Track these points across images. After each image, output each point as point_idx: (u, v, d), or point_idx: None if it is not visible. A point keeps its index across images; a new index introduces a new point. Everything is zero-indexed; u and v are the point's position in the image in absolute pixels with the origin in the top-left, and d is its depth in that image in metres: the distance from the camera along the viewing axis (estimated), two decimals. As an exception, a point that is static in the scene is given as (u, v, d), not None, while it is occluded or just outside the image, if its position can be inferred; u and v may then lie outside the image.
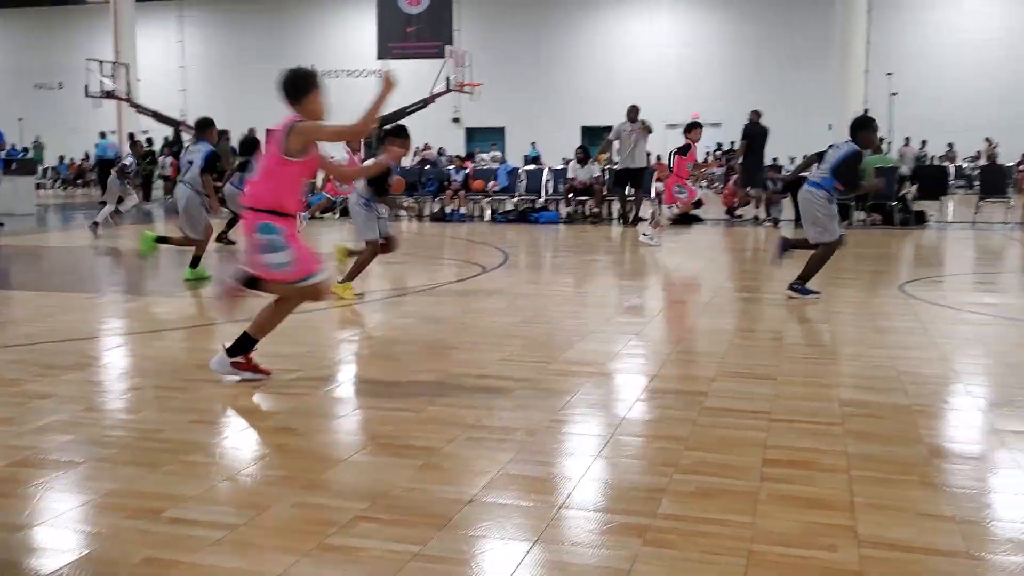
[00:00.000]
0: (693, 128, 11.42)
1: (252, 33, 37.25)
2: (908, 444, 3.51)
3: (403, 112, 22.81)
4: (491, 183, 17.15)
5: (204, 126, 8.78)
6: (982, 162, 25.52)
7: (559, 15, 34.35)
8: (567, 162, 17.11)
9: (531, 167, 19.13)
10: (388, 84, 4.18)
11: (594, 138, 32.85)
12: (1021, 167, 23.37)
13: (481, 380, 4.54)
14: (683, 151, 11.34)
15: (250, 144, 12.20)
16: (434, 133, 31.56)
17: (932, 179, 16.25)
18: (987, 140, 28.35)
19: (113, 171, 14.73)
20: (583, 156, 16.27)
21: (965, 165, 28.27)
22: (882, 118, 27.44)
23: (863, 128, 7.03)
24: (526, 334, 5.80)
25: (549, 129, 32.72)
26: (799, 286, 7.12)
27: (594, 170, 16.23)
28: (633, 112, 15.01)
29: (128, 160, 15.54)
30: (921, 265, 10.27)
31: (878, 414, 3.92)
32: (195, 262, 8.44)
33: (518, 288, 8.23)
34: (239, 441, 3.70)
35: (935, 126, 29.64)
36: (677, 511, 2.84)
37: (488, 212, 17.36)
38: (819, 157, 7.25)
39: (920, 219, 14.75)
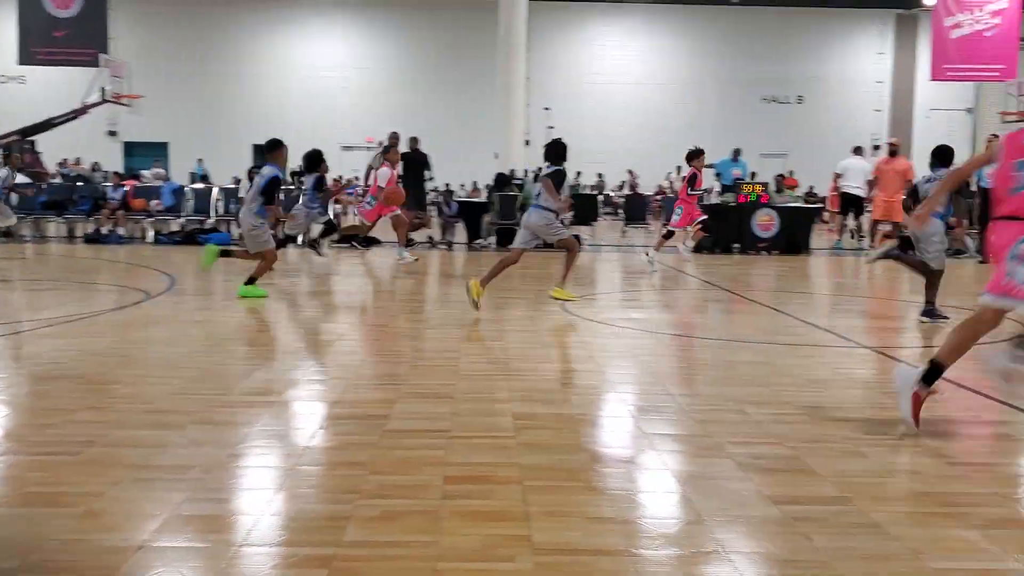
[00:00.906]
0: (696, 156, 12.24)
1: None
2: (573, 452, 3.79)
3: (50, 123, 20.78)
4: (154, 202, 16.12)
5: (272, 147, 8.88)
6: (626, 191, 28.27)
7: (231, 30, 33.16)
8: (238, 181, 16.53)
9: (199, 186, 18.24)
10: None
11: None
12: (658, 197, 26.19)
13: (149, 416, 4.24)
14: (691, 181, 12.34)
15: (314, 160, 11.62)
16: (87, 146, 29.13)
17: (585, 206, 17.75)
18: (630, 172, 31.48)
19: None
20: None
21: (612, 194, 31.17)
22: (541, 150, 29.62)
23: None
24: (198, 364, 5.51)
25: (218, 146, 31.42)
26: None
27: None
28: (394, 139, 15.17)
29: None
30: (578, 285, 11.15)
31: (547, 425, 4.19)
32: (251, 280, 8.59)
33: (188, 315, 7.80)
34: None
35: (587, 158, 32.41)
36: (362, 537, 2.84)
37: (151, 233, 16.29)
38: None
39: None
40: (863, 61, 33.59)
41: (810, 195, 27.60)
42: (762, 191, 15.78)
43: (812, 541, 2.86)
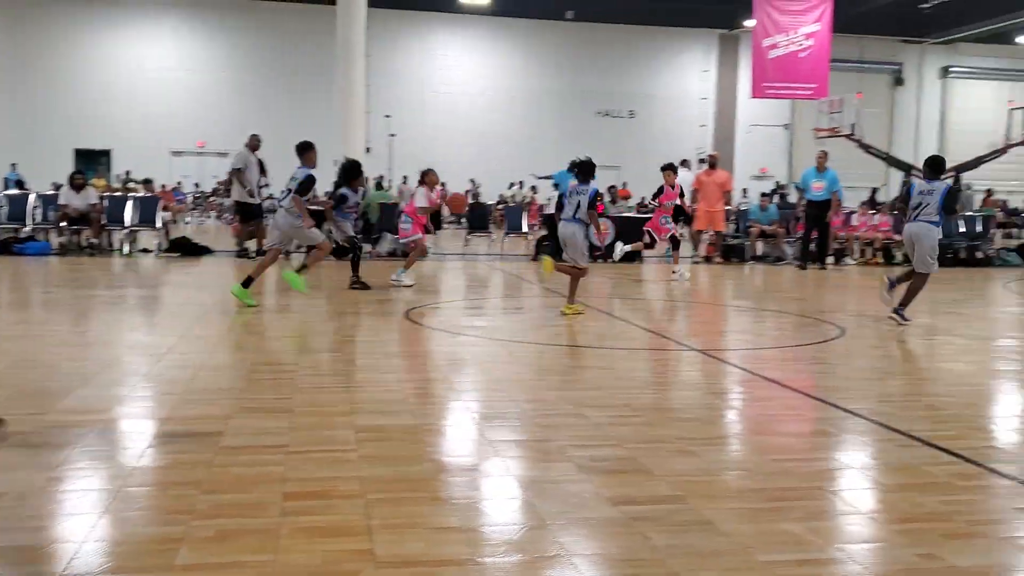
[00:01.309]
0: (667, 169, 12.92)
1: None
2: (417, 462, 3.76)
3: None
4: (-39, 209, 14.91)
5: (303, 149, 8.97)
6: (469, 201, 28.45)
7: (52, 28, 31.14)
8: (58, 187, 15.55)
9: (14, 192, 17.03)
10: None
11: (89, 161, 30.36)
12: (499, 206, 26.50)
13: (-46, 440, 3.90)
14: (657, 193, 13.06)
15: (352, 170, 11.24)
16: None
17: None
18: (472, 181, 31.70)
19: None
20: (82, 181, 14.96)
21: (454, 202, 31.31)
22: (383, 157, 29.39)
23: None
24: (13, 383, 5.12)
25: (34, 151, 29.44)
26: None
27: (91, 196, 14.96)
28: (255, 140, 14.48)
29: None
30: (421, 293, 11.10)
31: (389, 437, 4.14)
32: (302, 268, 8.85)
33: (2, 330, 7.25)
34: None
35: (430, 166, 32.42)
36: (196, 559, 2.71)
37: (-42, 243, 15.05)
38: None
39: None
40: (689, 78, 35.19)
41: (642, 205, 28.68)
42: (598, 200, 16.22)
43: (650, 540, 2.95)
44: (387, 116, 29.71)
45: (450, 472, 3.69)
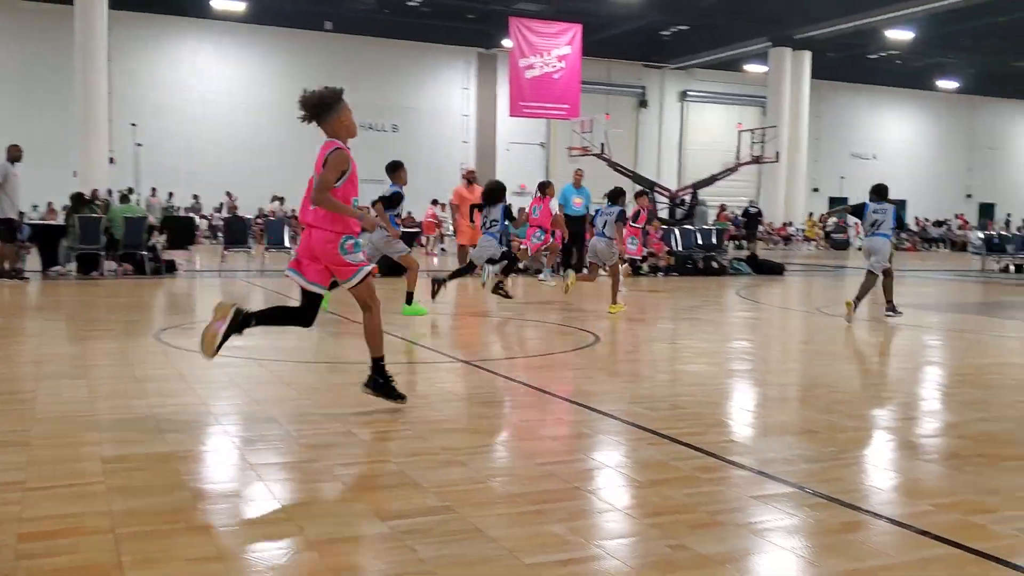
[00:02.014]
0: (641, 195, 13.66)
1: None
2: (172, 492, 3.55)
3: None
4: None
5: (393, 168, 10.15)
6: (225, 214, 27.35)
7: None
8: None
9: None
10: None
11: None
12: (259, 220, 25.67)
13: None
14: (635, 217, 13.99)
15: (498, 192, 11.52)
16: None
17: (180, 229, 16.86)
18: (228, 194, 30.50)
19: None
20: None
21: (210, 216, 29.98)
22: (128, 168, 27.61)
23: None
24: None
25: None
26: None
27: None
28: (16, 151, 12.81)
29: None
30: (174, 313, 10.54)
31: (141, 466, 3.88)
32: (408, 298, 9.65)
33: None
34: None
35: (182, 178, 30.84)
36: (-89, 618, 2.41)
37: None
38: None
39: (171, 268, 15.13)
40: (451, 95, 35.85)
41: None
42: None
43: (416, 552, 2.95)
44: (133, 124, 27.94)
45: (209, 500, 3.52)
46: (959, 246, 36.26)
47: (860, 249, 12.69)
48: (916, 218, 40.38)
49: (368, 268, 4.94)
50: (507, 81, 29.88)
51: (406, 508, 3.39)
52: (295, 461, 4.07)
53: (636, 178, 28.37)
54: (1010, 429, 5.07)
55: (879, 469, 4.29)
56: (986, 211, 43.68)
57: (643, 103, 38.94)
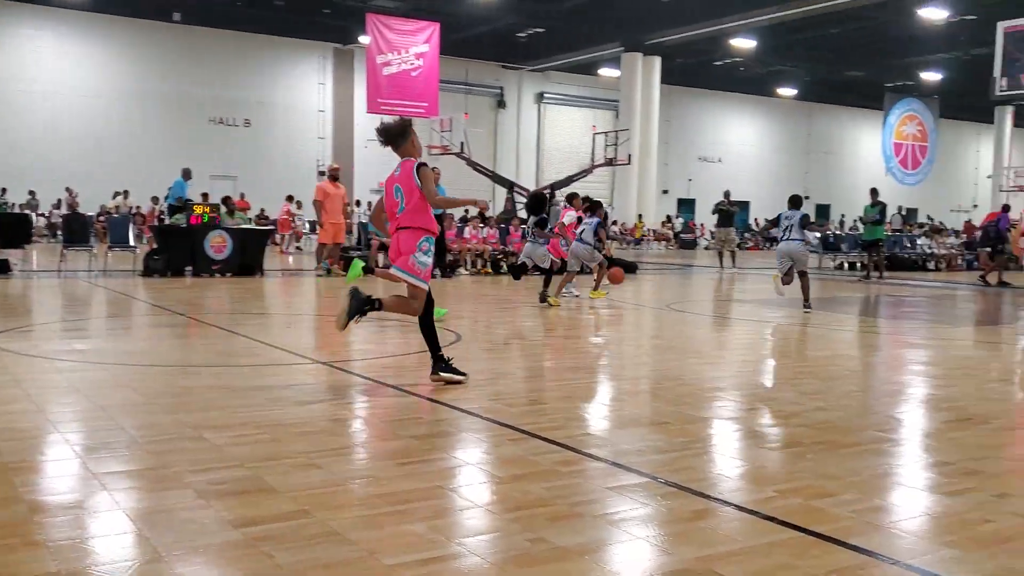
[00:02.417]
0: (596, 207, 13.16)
1: None
2: (7, 505, 3.33)
3: None
4: None
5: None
6: (64, 211, 25.86)
7: None
8: None
9: None
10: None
11: None
12: (101, 217, 24.40)
13: None
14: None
15: (541, 202, 13.09)
16: None
17: (15, 227, 15.84)
18: (68, 190, 28.84)
19: None
20: None
21: (48, 213, 28.30)
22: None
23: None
24: None
25: None
26: None
27: None
28: None
29: None
30: (8, 316, 9.89)
31: (-30, 480, 3.62)
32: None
33: None
34: None
35: (16, 174, 28.96)
36: None
37: None
38: None
39: (4, 268, 14.21)
40: (307, 90, 35.08)
41: (261, 218, 28.05)
42: (213, 213, 15.60)
43: (274, 559, 2.88)
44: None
45: (48, 512, 3.32)
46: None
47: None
48: (755, 219, 42.36)
49: (426, 281, 5.89)
50: (364, 77, 29.52)
51: (261, 514, 3.30)
52: (141, 469, 3.89)
53: (495, 178, 28.64)
54: (847, 417, 5.39)
55: (726, 458, 4.48)
56: (822, 212, 46.32)
57: (501, 104, 39.28)
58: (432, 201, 5.84)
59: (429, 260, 5.86)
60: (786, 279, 11.87)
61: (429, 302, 5.99)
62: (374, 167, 35.52)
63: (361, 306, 5.90)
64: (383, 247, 17.55)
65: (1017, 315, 13.01)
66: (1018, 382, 7.46)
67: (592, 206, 12.71)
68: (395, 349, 8.01)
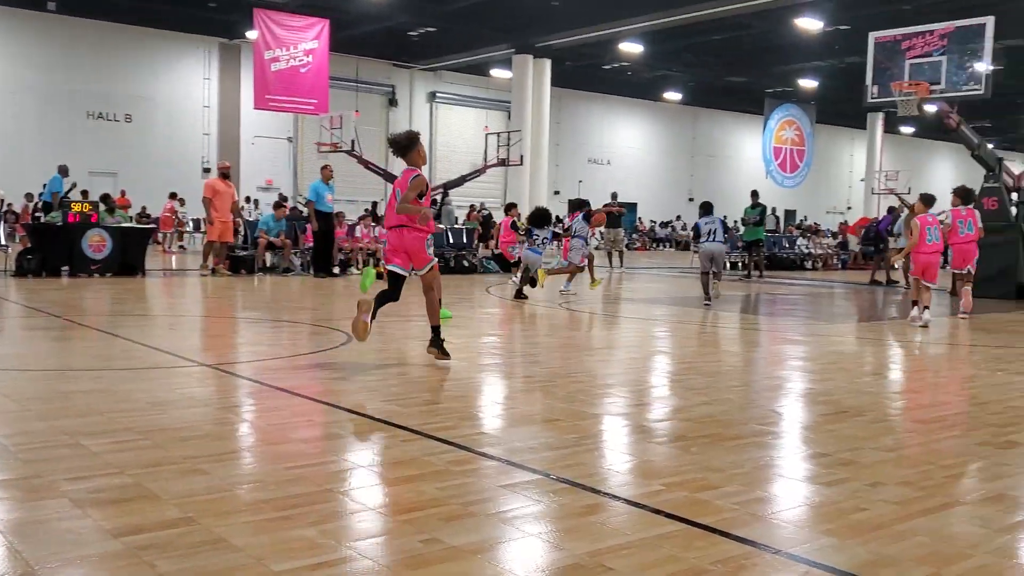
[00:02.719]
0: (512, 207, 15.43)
1: None
2: None
3: None
4: None
5: (578, 205, 14.70)
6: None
7: None
8: None
9: None
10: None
11: None
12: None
13: None
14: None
15: (546, 218, 14.17)
16: None
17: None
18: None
19: None
20: None
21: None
22: None
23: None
24: None
25: None
26: None
27: None
28: None
29: None
30: None
31: None
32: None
33: None
34: None
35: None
36: None
37: None
38: None
39: None
40: (191, 85, 33.98)
41: (143, 216, 27.07)
42: (91, 210, 14.96)
43: (156, 568, 2.78)
44: None
45: (-93, 528, 3.11)
46: (683, 245, 39.31)
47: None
48: (639, 219, 43.30)
49: (434, 261, 6.90)
50: (252, 73, 28.81)
51: (143, 522, 3.18)
52: (14, 478, 3.70)
53: (388, 176, 28.34)
54: (729, 411, 5.57)
55: (616, 453, 4.57)
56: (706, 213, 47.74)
57: (393, 102, 38.95)
58: (399, 204, 6.64)
59: (432, 251, 6.92)
60: (706, 278, 13.09)
61: (394, 283, 6.89)
62: (261, 164, 34.79)
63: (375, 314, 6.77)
64: (270, 246, 17.19)
65: (888, 312, 13.69)
66: (889, 376, 7.85)
67: (579, 204, 14.77)
68: (283, 351, 7.85)
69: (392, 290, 6.90)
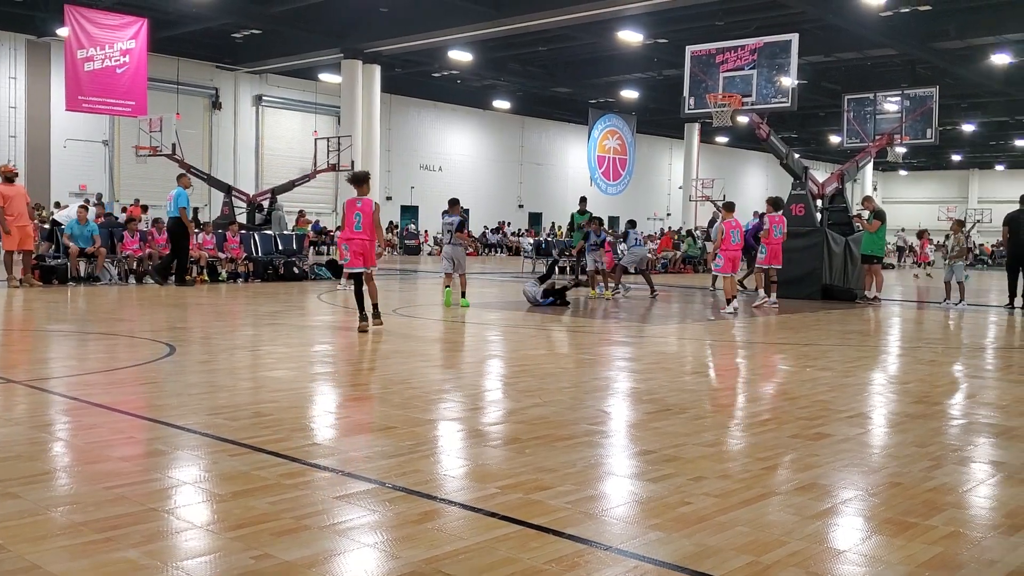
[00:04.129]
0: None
1: None
2: None
3: None
4: None
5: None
6: None
7: None
8: None
9: None
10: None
11: None
12: None
13: None
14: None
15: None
16: None
17: None
18: None
19: None
20: None
21: None
22: None
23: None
24: None
25: None
26: None
27: None
28: None
29: None
30: None
31: None
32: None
33: None
34: None
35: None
36: None
37: None
38: None
39: None
40: (-6, 84, 31.56)
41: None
42: None
43: (-39, 603, 2.58)
44: None
45: None
46: (514, 251, 39.96)
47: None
48: (483, 225, 43.80)
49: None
50: (63, 73, 27.09)
51: (-57, 554, 2.94)
52: None
53: (211, 180, 27.32)
54: (561, 412, 5.72)
55: (451, 458, 4.60)
56: (535, 220, 48.66)
57: (217, 105, 37.56)
58: (379, 233, 9.78)
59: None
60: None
61: (358, 280, 9.72)
62: (76, 167, 32.71)
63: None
64: (82, 253, 16.22)
65: (705, 314, 14.41)
66: (707, 374, 8.28)
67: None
68: (98, 365, 7.42)
69: (359, 286, 9.64)
